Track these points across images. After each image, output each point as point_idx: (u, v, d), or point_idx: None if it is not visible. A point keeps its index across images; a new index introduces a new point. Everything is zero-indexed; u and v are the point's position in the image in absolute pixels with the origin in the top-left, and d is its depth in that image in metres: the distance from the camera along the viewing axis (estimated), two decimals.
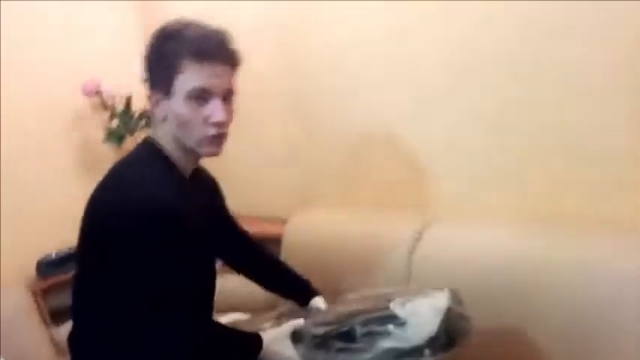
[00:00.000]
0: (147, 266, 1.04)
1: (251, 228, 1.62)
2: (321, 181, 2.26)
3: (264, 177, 2.45)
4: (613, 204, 1.53)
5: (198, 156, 1.18)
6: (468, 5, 1.67)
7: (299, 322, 1.29)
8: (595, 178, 1.55)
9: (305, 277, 1.51)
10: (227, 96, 1.13)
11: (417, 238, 1.75)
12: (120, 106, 2.46)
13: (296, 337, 1.25)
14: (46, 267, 2.21)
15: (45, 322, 2.05)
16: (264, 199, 2.46)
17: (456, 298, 1.25)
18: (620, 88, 1.47)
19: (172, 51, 1.08)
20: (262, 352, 1.21)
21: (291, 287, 1.48)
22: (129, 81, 2.43)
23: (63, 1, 2.41)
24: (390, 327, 1.17)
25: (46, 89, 2.34)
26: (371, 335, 1.17)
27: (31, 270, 2.23)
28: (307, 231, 2.05)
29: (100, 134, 2.44)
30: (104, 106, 2.46)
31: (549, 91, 1.58)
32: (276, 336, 1.24)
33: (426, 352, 1.14)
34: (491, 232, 1.64)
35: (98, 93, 2.41)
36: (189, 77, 1.07)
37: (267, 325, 1.36)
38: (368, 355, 1.16)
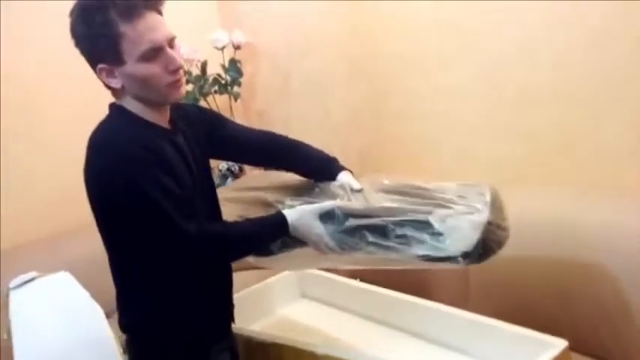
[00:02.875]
0: (144, 214, 1.13)
1: None
2: (384, 149, 2.29)
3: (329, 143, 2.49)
4: None
5: (166, 104, 1.24)
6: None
7: (329, 202, 1.27)
8: None
9: (330, 155, 1.46)
10: (171, 42, 1.17)
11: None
12: (195, 71, 2.56)
13: (325, 216, 1.23)
14: None
15: None
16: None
17: (496, 204, 1.23)
18: None
19: (102, 21, 1.10)
20: (292, 228, 1.23)
21: (315, 164, 1.43)
22: (204, 46, 2.53)
23: None
24: (426, 236, 1.17)
25: None
26: (405, 238, 1.17)
27: None
28: None
29: None
30: None
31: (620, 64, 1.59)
32: (307, 211, 1.25)
33: (460, 260, 1.15)
34: (555, 195, 1.65)
35: None
36: (133, 40, 1.11)
37: (288, 202, 1.35)
38: (398, 256, 1.18)
